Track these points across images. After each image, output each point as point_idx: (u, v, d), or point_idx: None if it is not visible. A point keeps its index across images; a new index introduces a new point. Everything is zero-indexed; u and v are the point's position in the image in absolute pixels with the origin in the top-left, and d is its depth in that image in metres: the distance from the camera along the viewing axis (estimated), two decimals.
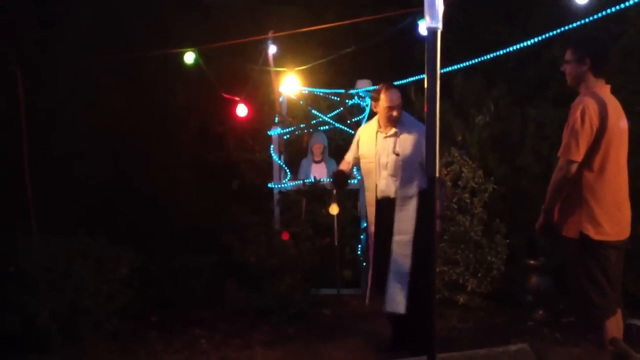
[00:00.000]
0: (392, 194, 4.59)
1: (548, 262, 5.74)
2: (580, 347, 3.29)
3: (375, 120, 4.75)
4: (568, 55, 3.71)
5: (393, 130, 4.60)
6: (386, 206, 4.62)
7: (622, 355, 3.47)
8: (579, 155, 3.50)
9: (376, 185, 4.67)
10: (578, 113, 3.50)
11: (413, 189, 4.51)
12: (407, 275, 4.48)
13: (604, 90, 3.65)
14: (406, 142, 4.55)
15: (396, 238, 4.55)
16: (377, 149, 4.65)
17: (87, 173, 6.55)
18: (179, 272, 6.20)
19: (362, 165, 4.81)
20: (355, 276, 6.66)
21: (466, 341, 4.96)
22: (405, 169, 4.53)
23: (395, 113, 4.55)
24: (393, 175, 4.58)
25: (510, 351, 3.25)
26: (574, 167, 3.52)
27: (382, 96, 4.57)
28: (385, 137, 4.63)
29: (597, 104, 3.51)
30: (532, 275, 5.77)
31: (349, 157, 4.99)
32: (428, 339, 2.48)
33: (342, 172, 4.97)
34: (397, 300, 4.48)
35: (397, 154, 4.54)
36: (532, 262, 5.81)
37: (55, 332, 4.91)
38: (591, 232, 3.55)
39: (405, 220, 4.53)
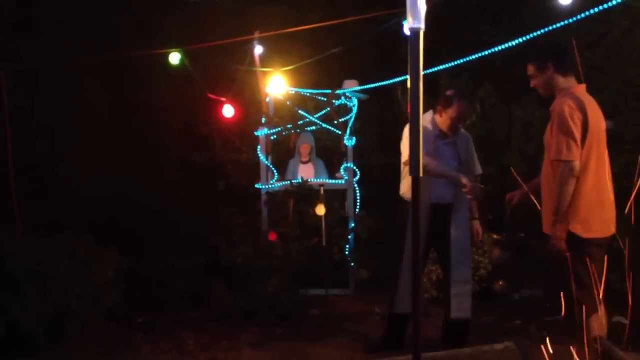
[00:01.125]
0: (448, 199, 4.55)
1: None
2: (566, 346, 3.31)
3: (429, 122, 4.59)
4: (530, 70, 3.81)
5: (452, 137, 4.60)
6: (440, 211, 4.54)
7: (607, 353, 3.49)
8: (578, 154, 3.53)
9: (431, 189, 4.49)
10: (566, 113, 3.53)
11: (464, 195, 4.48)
12: (470, 280, 4.58)
13: (580, 90, 3.71)
14: (463, 148, 4.62)
15: (457, 246, 4.54)
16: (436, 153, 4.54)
17: (72, 174, 6.52)
18: (165, 273, 6.18)
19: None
20: (343, 276, 6.66)
21: None
22: (463, 173, 4.48)
23: (461, 125, 4.60)
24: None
25: (495, 349, 3.27)
26: (577, 165, 3.53)
27: (455, 105, 4.49)
28: (445, 142, 4.60)
29: (578, 103, 3.57)
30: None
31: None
32: (414, 338, 2.47)
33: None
34: (463, 306, 4.52)
35: (459, 160, 4.58)
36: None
37: (40, 335, 4.87)
38: (580, 231, 3.58)
39: (463, 226, 4.58)
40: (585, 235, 3.59)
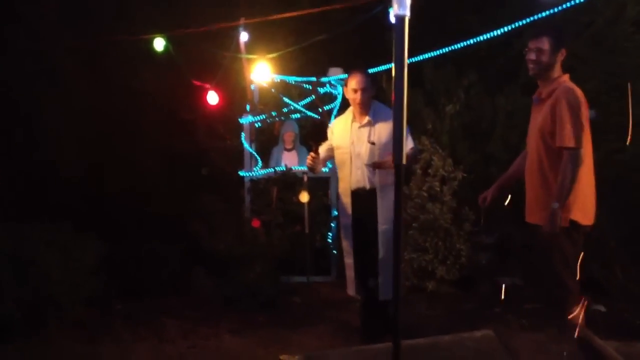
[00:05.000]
0: (367, 185, 4.55)
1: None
2: (544, 333, 3.33)
3: (349, 110, 4.69)
4: (544, 44, 3.64)
5: (367, 119, 4.55)
6: (362, 196, 4.58)
7: (586, 341, 3.52)
8: (583, 143, 3.52)
9: (351, 176, 4.60)
10: (578, 101, 3.51)
11: (391, 177, 4.38)
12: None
13: (568, 78, 3.70)
14: (381, 130, 4.50)
15: (382, 227, 4.52)
16: (351, 139, 4.59)
17: (51, 160, 6.45)
18: (146, 260, 6.14)
19: (336, 155, 4.73)
20: (325, 264, 6.67)
21: (434, 328, 4.99)
22: (380, 157, 4.46)
23: (358, 96, 4.48)
24: (369, 165, 4.52)
25: (475, 337, 3.28)
26: (582, 154, 3.51)
27: (348, 80, 4.55)
28: (360, 126, 4.58)
29: (580, 92, 3.57)
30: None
31: (322, 149, 4.80)
32: (394, 326, 2.48)
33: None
34: (389, 289, 4.44)
35: (373, 143, 4.49)
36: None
37: (19, 321, 4.84)
38: (580, 218, 3.58)
39: (388, 209, 4.48)
40: (584, 222, 3.60)
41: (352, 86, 4.51)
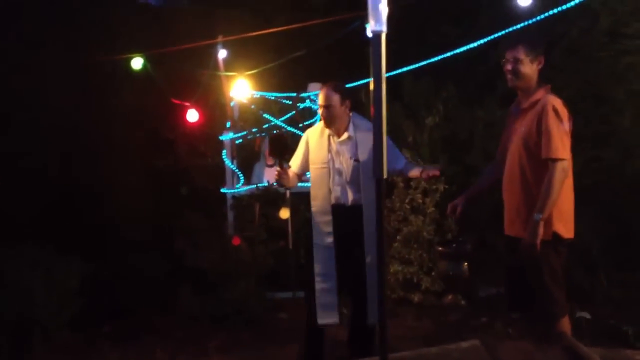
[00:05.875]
0: (349, 202, 4.33)
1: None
2: (530, 342, 3.35)
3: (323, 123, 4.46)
4: (520, 54, 3.62)
5: (346, 134, 4.35)
6: (344, 214, 4.33)
7: (571, 348, 3.54)
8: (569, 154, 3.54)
9: (330, 193, 4.34)
10: (562, 111, 3.52)
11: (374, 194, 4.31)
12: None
13: (549, 90, 3.71)
14: (363, 146, 4.29)
15: (368, 249, 4.24)
16: (330, 154, 4.37)
17: (31, 179, 6.39)
18: (131, 279, 6.10)
19: (312, 171, 4.45)
20: None
21: (420, 339, 5.02)
22: (365, 175, 4.25)
23: (324, 112, 4.30)
24: (350, 182, 4.31)
25: (462, 348, 3.28)
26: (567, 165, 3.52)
27: (319, 95, 4.38)
28: (340, 141, 4.36)
29: (563, 102, 3.58)
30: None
31: (295, 163, 4.59)
32: (381, 339, 2.49)
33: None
34: (375, 311, 4.18)
35: (357, 160, 4.29)
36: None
37: (4, 345, 4.79)
38: (562, 231, 3.58)
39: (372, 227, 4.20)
40: (566, 235, 3.60)
41: (319, 102, 4.36)
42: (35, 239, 5.40)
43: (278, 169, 4.37)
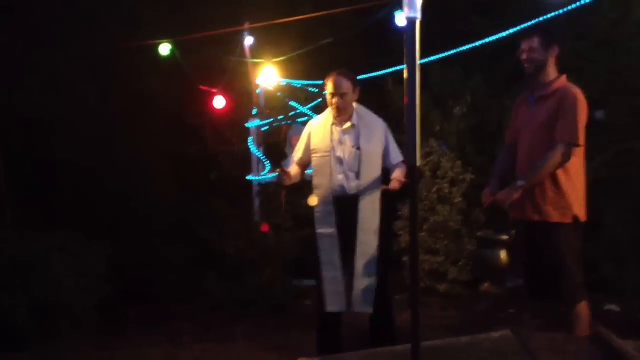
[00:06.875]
0: (351, 190, 4.27)
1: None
2: (561, 333, 3.33)
3: (328, 112, 4.41)
4: (535, 43, 3.72)
5: (349, 123, 4.30)
6: (345, 203, 4.27)
7: (604, 339, 3.53)
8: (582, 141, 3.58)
9: (332, 182, 4.30)
10: (580, 97, 3.59)
11: (376, 184, 4.26)
12: (375, 274, 4.27)
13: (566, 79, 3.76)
14: (366, 135, 4.27)
15: (361, 238, 4.26)
16: (332, 143, 4.31)
17: (62, 167, 6.47)
18: (157, 265, 6.17)
19: (314, 160, 4.40)
20: None
21: (448, 329, 5.00)
22: (366, 163, 4.25)
23: (335, 101, 4.22)
24: (352, 170, 4.27)
25: (493, 338, 3.27)
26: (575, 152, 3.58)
27: (327, 83, 4.29)
28: (342, 130, 4.30)
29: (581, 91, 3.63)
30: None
31: (297, 156, 4.58)
32: (413, 328, 2.48)
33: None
34: (365, 299, 4.27)
35: (359, 148, 4.25)
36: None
37: (33, 329, 4.86)
38: (581, 215, 3.68)
39: (370, 219, 4.27)
40: (583, 219, 3.70)
41: (329, 90, 4.27)
42: (65, 226, 5.45)
43: (280, 169, 4.45)
